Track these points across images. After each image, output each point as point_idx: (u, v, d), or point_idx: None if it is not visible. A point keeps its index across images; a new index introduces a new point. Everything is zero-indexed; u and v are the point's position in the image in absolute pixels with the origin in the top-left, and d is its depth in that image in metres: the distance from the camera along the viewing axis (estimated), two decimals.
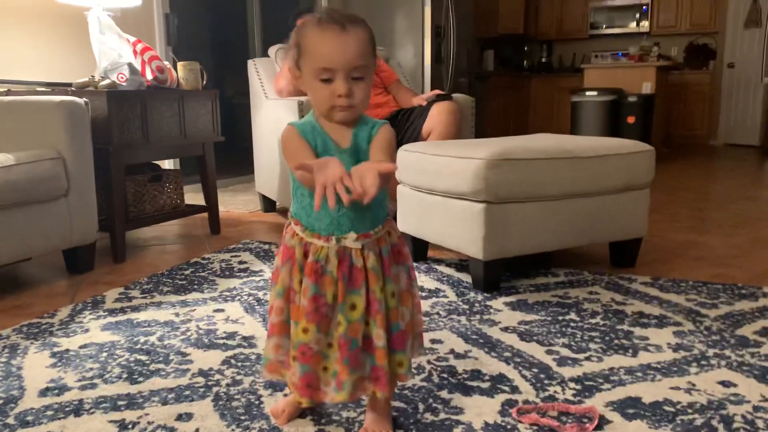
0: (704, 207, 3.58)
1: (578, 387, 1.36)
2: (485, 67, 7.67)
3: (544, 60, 8.90)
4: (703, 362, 1.48)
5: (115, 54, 2.63)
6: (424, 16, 5.18)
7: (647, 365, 1.47)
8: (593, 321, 1.76)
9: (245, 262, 2.43)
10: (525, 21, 8.30)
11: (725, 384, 1.36)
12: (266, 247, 2.67)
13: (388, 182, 0.97)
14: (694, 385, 1.36)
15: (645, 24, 8.21)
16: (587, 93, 5.59)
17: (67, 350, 1.61)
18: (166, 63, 2.73)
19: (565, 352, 1.55)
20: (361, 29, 1.02)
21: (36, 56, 2.97)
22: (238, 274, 2.28)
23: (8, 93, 2.53)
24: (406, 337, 1.11)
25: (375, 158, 1.03)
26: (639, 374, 1.42)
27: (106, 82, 2.49)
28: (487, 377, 1.41)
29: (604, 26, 8.48)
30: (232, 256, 2.52)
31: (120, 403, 1.32)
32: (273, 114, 3.13)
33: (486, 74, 7.36)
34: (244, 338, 1.67)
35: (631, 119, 5.45)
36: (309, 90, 1.06)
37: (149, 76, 2.64)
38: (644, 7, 8.16)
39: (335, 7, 5.30)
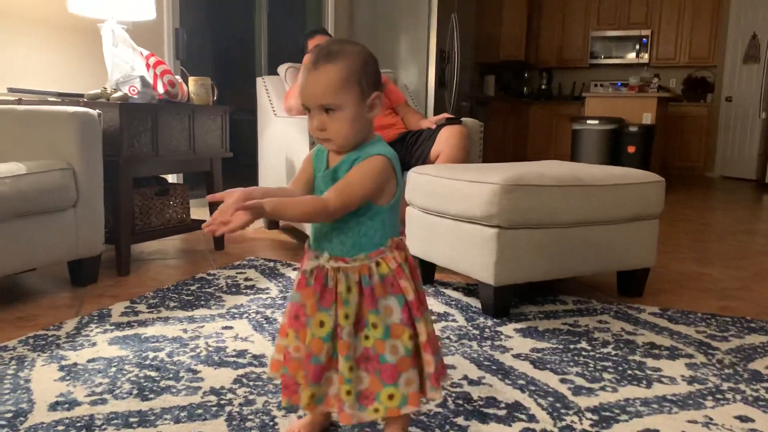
0: (705, 239, 3.59)
1: (595, 417, 1.35)
2: (486, 91, 7.73)
3: (543, 87, 8.98)
4: (718, 396, 1.47)
5: (128, 67, 2.63)
6: (429, 40, 5.23)
7: (663, 397, 1.46)
8: (605, 350, 1.75)
9: (251, 279, 2.42)
10: (526, 48, 8.40)
11: (743, 419, 1.36)
12: (271, 264, 2.66)
13: (258, 217, 1.00)
14: (711, 419, 1.35)
15: (645, 55, 8.32)
16: (588, 121, 5.63)
17: (75, 364, 1.59)
18: (177, 77, 2.73)
19: (580, 381, 1.54)
20: (333, 65, 1.04)
21: (48, 66, 2.97)
22: (244, 291, 2.26)
23: (20, 102, 2.52)
24: (396, 371, 1.07)
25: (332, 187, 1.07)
26: (655, 406, 1.41)
27: (118, 94, 2.49)
28: (503, 405, 1.40)
29: (603, 56, 8.58)
30: (237, 273, 2.51)
31: (132, 420, 1.30)
32: (282, 132, 3.13)
33: (487, 99, 7.42)
34: (255, 357, 1.66)
35: (631, 149, 5.49)
36: None
37: (161, 89, 2.64)
38: (644, 39, 8.28)
39: (342, 26, 5.35)
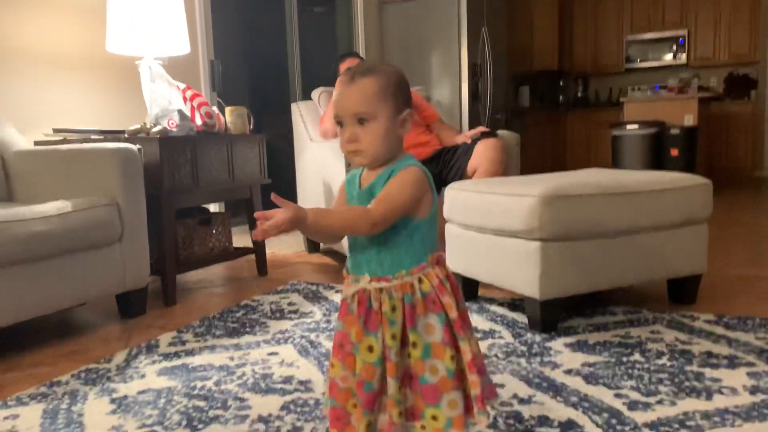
0: (758, 241, 3.46)
1: None
2: (521, 103, 7.67)
3: (579, 95, 8.87)
4: None
5: (166, 101, 2.69)
6: (461, 55, 5.22)
7: (724, 409, 1.39)
8: (660, 362, 1.69)
9: (294, 304, 2.42)
10: (559, 57, 8.31)
11: None
12: (314, 288, 2.66)
13: (298, 223, 0.98)
14: None
15: (682, 56, 8.14)
16: (628, 126, 5.52)
17: (126, 396, 1.61)
18: (214, 108, 2.78)
19: (635, 395, 1.49)
20: (368, 79, 1.06)
21: (90, 105, 3.07)
22: (288, 315, 2.27)
23: (64, 141, 2.60)
24: (439, 392, 1.04)
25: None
26: (717, 419, 1.35)
27: (158, 128, 2.55)
28: (555, 423, 1.36)
29: (639, 60, 8.43)
30: (281, 298, 2.52)
31: None
32: (318, 156, 3.15)
33: (522, 110, 7.36)
34: (301, 382, 1.65)
35: (674, 152, 5.36)
36: None
37: (198, 121, 2.69)
38: (681, 40, 8.11)
39: (373, 46, 5.39)
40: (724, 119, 7.65)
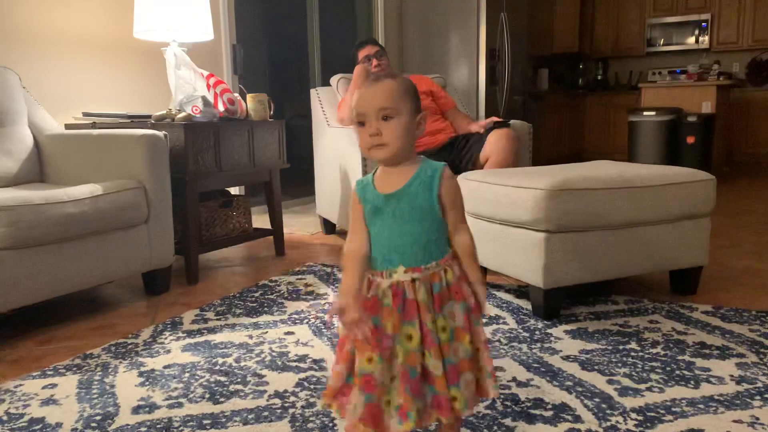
0: (767, 231, 3.51)
1: (640, 417, 1.40)
2: (540, 85, 7.67)
3: (599, 77, 8.82)
4: (767, 396, 1.49)
5: (190, 87, 2.80)
6: (479, 39, 5.25)
7: (709, 397, 1.49)
8: (654, 351, 1.79)
9: (310, 285, 2.54)
10: (580, 38, 8.27)
11: None
12: (329, 270, 2.78)
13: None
14: (758, 419, 1.38)
15: (704, 40, 8.06)
16: (645, 113, 5.54)
17: (153, 370, 1.74)
18: (236, 95, 2.89)
19: (627, 382, 1.59)
20: (391, 81, 1.15)
21: (117, 89, 3.18)
22: (304, 297, 2.39)
23: (93, 125, 2.73)
24: (459, 373, 1.14)
25: (450, 220, 1.16)
26: (701, 406, 1.45)
27: (182, 114, 2.66)
28: (549, 406, 1.46)
29: (662, 42, 8.37)
30: (297, 279, 2.64)
31: (205, 422, 1.43)
32: (335, 142, 3.25)
33: (541, 93, 7.37)
34: (315, 361, 1.77)
35: (690, 139, 5.37)
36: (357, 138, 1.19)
37: (221, 108, 2.79)
38: (704, 24, 8.03)
39: (392, 30, 5.44)
40: (745, 106, 7.59)
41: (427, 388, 1.14)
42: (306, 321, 2.12)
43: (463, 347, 1.15)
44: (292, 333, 2.01)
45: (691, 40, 8.18)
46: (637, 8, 8.44)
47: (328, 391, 1.20)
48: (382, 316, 1.14)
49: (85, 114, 2.82)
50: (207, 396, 1.57)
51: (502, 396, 1.52)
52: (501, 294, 2.37)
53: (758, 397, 1.48)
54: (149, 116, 2.73)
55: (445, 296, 1.14)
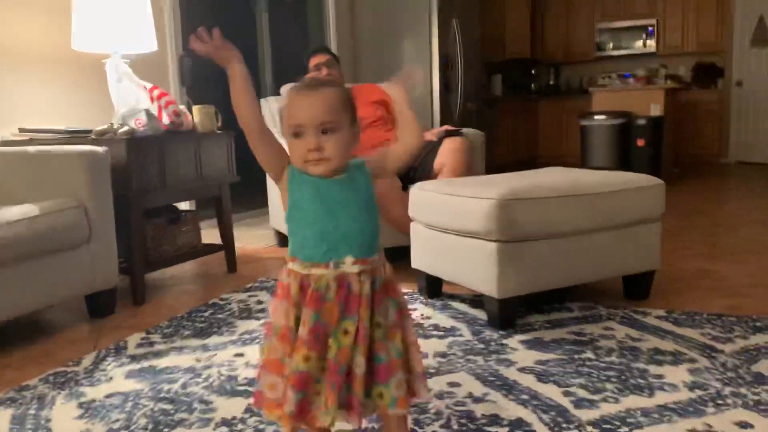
0: (716, 232, 3.58)
1: (596, 430, 1.38)
2: (493, 91, 7.74)
3: (551, 83, 8.96)
4: (719, 401, 1.49)
5: (133, 100, 2.70)
6: (432, 47, 5.26)
7: (664, 406, 1.48)
8: (609, 359, 1.78)
9: (262, 302, 2.47)
10: (532, 44, 8.38)
11: (742, 425, 1.38)
12: None
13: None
14: (711, 426, 1.38)
15: (651, 44, 8.25)
16: (596, 117, 5.62)
17: (93, 400, 1.65)
18: (182, 107, 2.80)
19: (582, 393, 1.57)
20: (331, 90, 1.10)
21: (55, 103, 3.06)
22: (255, 315, 2.32)
23: (31, 141, 2.61)
24: (391, 372, 1.11)
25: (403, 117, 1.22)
26: (656, 416, 1.44)
27: (125, 128, 2.56)
28: (505, 422, 1.43)
29: (611, 46, 8.53)
30: (249, 296, 2.57)
31: None
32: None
33: (494, 99, 7.43)
34: None
35: (640, 142, 5.48)
36: (288, 148, 1.12)
37: (166, 120, 2.70)
38: (650, 28, 8.22)
39: (345, 38, 5.40)
40: (692, 108, 7.80)
41: (345, 386, 1.10)
42: (257, 341, 2.05)
43: (394, 346, 1.12)
44: (241, 355, 1.94)
45: (639, 44, 8.36)
46: (586, 13, 8.60)
47: (271, 404, 1.14)
48: (323, 312, 1.09)
49: (22, 130, 2.69)
50: (150, 427, 1.49)
51: (457, 413, 1.48)
52: (456, 304, 2.35)
53: (711, 404, 1.48)
54: (90, 131, 2.62)
55: (382, 292, 1.11)
